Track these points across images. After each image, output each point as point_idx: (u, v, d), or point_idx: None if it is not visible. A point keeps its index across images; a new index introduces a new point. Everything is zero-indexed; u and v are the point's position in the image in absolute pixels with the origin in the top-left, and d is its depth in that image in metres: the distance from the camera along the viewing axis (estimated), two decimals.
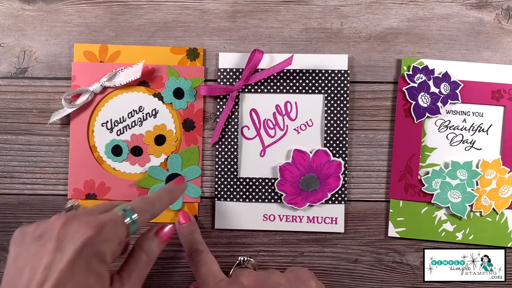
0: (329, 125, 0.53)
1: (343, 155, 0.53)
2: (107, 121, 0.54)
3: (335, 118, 0.53)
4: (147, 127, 0.54)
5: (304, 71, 0.53)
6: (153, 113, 0.54)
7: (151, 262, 0.43)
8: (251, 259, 0.51)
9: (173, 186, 0.48)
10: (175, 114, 0.54)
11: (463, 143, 0.53)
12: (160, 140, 0.54)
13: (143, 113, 0.54)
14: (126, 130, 0.54)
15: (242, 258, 0.51)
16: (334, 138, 0.53)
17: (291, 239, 0.55)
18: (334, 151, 0.53)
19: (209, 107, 0.54)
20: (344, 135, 0.53)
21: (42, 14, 0.54)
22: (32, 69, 0.54)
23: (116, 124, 0.54)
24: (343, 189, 0.53)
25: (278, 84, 0.53)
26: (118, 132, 0.54)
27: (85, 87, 0.52)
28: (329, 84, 0.53)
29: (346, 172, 0.53)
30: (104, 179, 0.53)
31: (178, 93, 0.53)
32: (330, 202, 0.54)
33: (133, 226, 0.41)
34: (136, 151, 0.54)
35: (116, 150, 0.54)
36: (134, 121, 0.54)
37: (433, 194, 0.53)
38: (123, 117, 0.54)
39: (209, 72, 0.54)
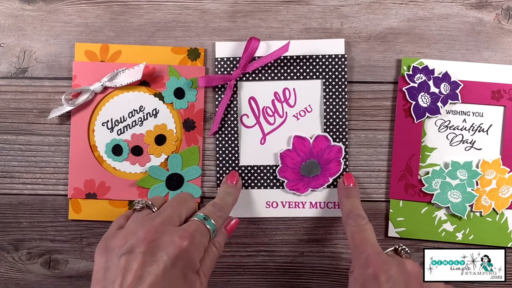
0: (328, 110, 0.53)
1: (343, 140, 0.53)
2: (108, 121, 0.54)
3: (334, 103, 0.53)
4: (147, 127, 0.54)
5: (301, 57, 0.53)
6: (154, 112, 0.54)
7: (219, 255, 0.45)
8: (408, 251, 0.46)
9: (231, 188, 0.51)
10: (176, 114, 0.54)
11: (463, 143, 0.53)
12: (160, 140, 0.54)
13: (143, 113, 0.54)
14: (127, 130, 0.54)
15: (399, 247, 0.46)
16: (334, 123, 0.53)
17: (291, 239, 0.55)
18: (334, 136, 0.53)
19: (209, 107, 0.54)
20: (344, 120, 0.53)
21: (42, 14, 0.54)
22: (32, 69, 0.54)
23: (116, 123, 0.54)
24: (344, 173, 0.53)
25: (276, 71, 0.54)
26: (119, 132, 0.54)
27: (86, 86, 0.52)
28: (327, 69, 0.53)
29: (347, 156, 0.53)
30: (104, 179, 0.53)
31: (179, 93, 0.53)
32: (332, 186, 0.54)
33: (213, 233, 0.43)
34: (137, 151, 0.54)
35: (117, 150, 0.54)
36: (135, 121, 0.54)
37: (433, 194, 0.53)
38: (123, 116, 0.54)
39: (209, 72, 0.54)
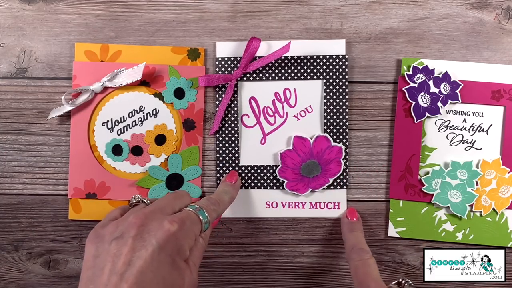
0: (328, 110, 0.53)
1: (344, 140, 0.53)
2: (108, 121, 0.54)
3: (334, 104, 0.53)
4: (147, 127, 0.54)
5: (302, 57, 0.53)
6: (154, 112, 0.54)
7: (206, 246, 0.45)
8: (412, 284, 0.48)
9: (229, 186, 0.51)
10: (176, 114, 0.54)
11: (463, 143, 0.53)
12: (160, 140, 0.54)
13: (143, 113, 0.54)
14: (127, 130, 0.54)
15: (403, 280, 0.48)
16: (334, 124, 0.53)
17: (291, 239, 0.55)
18: (335, 137, 0.53)
19: (209, 107, 0.54)
20: (344, 120, 0.53)
21: (42, 14, 0.54)
22: (32, 69, 0.54)
23: (116, 123, 0.54)
24: (344, 174, 0.53)
25: (277, 71, 0.54)
26: (119, 132, 0.54)
27: (86, 86, 0.52)
28: (328, 70, 0.53)
29: (347, 157, 0.53)
30: (104, 179, 0.53)
31: (179, 93, 0.53)
32: (332, 187, 0.54)
33: (206, 225, 0.43)
34: (137, 151, 0.54)
35: (117, 150, 0.54)
36: (135, 121, 0.54)
37: (433, 194, 0.53)
38: (123, 116, 0.54)
39: (209, 72, 0.54)
